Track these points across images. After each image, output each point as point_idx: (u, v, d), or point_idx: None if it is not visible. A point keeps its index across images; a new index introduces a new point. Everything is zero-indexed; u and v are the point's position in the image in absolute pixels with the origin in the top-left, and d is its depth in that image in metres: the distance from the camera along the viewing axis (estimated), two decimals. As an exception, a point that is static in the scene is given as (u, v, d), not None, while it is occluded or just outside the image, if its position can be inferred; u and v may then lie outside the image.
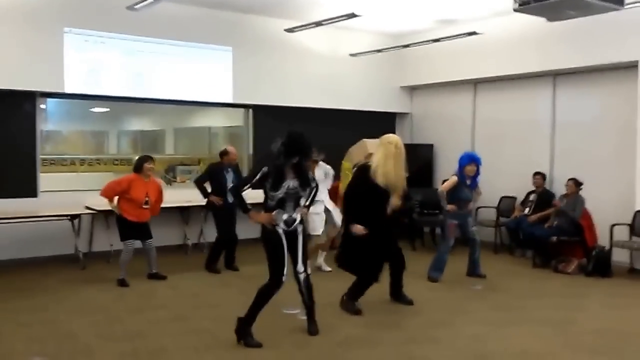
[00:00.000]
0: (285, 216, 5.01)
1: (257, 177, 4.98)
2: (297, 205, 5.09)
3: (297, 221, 5.10)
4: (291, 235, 5.08)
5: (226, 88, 9.52)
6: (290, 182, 4.98)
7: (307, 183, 5.13)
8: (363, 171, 5.96)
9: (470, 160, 7.45)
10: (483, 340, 5.24)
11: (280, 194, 4.95)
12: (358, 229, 5.78)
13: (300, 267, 5.15)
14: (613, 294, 7.01)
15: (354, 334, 5.33)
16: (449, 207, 7.37)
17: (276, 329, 5.35)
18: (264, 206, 5.08)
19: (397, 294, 6.36)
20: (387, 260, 6.13)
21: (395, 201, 5.92)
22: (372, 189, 5.79)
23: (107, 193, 7.07)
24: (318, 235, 7.63)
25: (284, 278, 4.93)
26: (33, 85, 8.05)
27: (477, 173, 7.50)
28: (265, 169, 4.96)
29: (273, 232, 5.00)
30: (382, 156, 5.81)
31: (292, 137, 4.96)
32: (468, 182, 7.46)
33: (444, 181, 7.74)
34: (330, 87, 10.41)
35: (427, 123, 11.25)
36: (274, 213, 4.99)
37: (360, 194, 5.89)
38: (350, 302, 5.98)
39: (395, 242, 6.23)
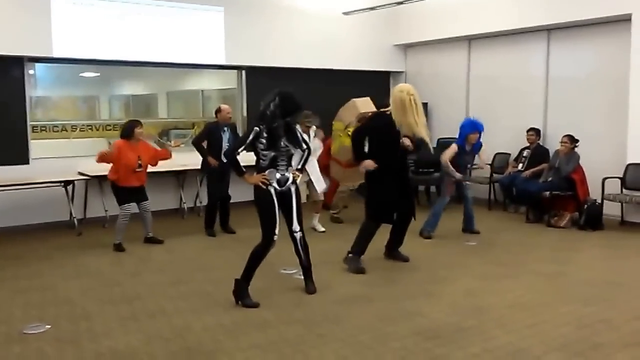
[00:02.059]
0: (277, 175, 5.03)
1: (250, 137, 4.96)
2: (289, 164, 5.11)
3: (290, 181, 5.11)
4: (284, 195, 5.10)
5: (218, 49, 9.42)
6: (283, 141, 4.99)
7: (299, 143, 5.14)
8: (380, 118, 6.00)
9: (473, 129, 7.48)
10: (478, 294, 5.31)
11: (273, 152, 4.96)
12: (368, 164, 5.88)
13: (295, 227, 5.18)
14: (604, 246, 7.11)
15: (351, 291, 5.39)
16: (458, 176, 7.41)
17: (274, 289, 5.40)
18: (256, 166, 5.09)
19: (393, 251, 6.42)
20: (399, 209, 6.16)
21: (406, 142, 5.95)
22: (387, 136, 5.87)
23: (100, 158, 6.97)
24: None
25: (275, 237, 4.95)
26: (20, 50, 7.94)
27: (479, 138, 7.55)
28: (257, 128, 4.95)
29: (264, 192, 5.00)
30: (401, 107, 5.81)
31: (284, 97, 4.96)
32: (468, 148, 7.49)
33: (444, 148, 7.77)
34: (324, 47, 10.31)
35: (422, 81, 11.14)
36: (266, 172, 5.00)
37: (371, 138, 5.99)
38: (355, 258, 6.02)
39: (411, 197, 6.30)
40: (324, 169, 8.10)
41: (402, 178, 6.08)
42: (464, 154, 7.50)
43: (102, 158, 6.94)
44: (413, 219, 6.34)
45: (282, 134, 4.98)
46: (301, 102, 5.06)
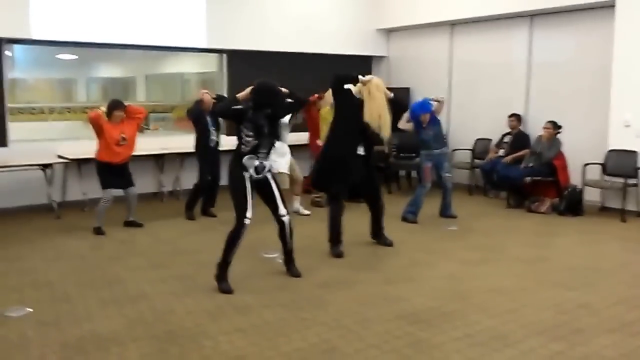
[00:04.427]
0: (256, 162, 4.98)
1: (237, 107, 4.97)
2: (269, 153, 5.09)
3: (267, 169, 5.08)
4: (261, 183, 5.09)
5: (200, 33, 9.31)
6: (266, 129, 4.99)
7: (276, 135, 5.15)
8: (347, 93, 6.06)
9: (421, 111, 7.52)
10: (458, 278, 5.35)
11: (257, 140, 4.95)
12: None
13: (282, 211, 5.17)
14: (584, 232, 7.17)
15: (333, 275, 5.39)
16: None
17: (256, 273, 5.40)
18: (237, 152, 5.04)
19: (377, 235, 6.45)
20: (362, 194, 6.34)
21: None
22: (348, 111, 6.00)
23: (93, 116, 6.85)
24: (281, 173, 7.46)
25: (246, 221, 4.90)
26: (-2, 31, 7.79)
27: (432, 115, 7.62)
28: (241, 107, 4.96)
29: (238, 176, 4.97)
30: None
31: (262, 89, 4.99)
32: (424, 125, 7.54)
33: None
34: (306, 31, 10.24)
35: (404, 66, 11.17)
36: (244, 159, 4.95)
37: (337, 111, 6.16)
38: (334, 247, 6.04)
39: (374, 181, 6.35)
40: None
41: (363, 160, 6.13)
42: (422, 130, 7.55)
43: (95, 115, 6.81)
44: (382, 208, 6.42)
45: (264, 123, 4.96)
46: (281, 95, 5.09)
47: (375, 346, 3.91)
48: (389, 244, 6.39)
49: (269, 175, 5.13)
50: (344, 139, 6.05)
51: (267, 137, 5.01)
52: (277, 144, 7.12)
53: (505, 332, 4.14)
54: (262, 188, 5.11)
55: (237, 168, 4.99)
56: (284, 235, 5.23)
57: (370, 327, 4.21)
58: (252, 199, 4.97)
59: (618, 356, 3.80)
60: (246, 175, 4.97)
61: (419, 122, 7.52)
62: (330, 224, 6.07)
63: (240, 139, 5.01)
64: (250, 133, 4.95)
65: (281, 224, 5.19)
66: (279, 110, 5.19)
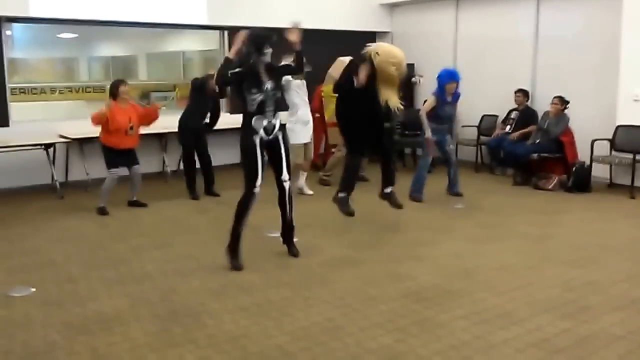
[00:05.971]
0: (265, 122, 4.90)
1: (233, 70, 4.84)
2: (277, 109, 4.98)
3: (277, 128, 4.99)
4: (272, 144, 5.00)
5: (200, 9, 9.20)
6: (268, 84, 4.89)
7: (284, 72, 5.07)
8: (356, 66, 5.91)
9: (450, 79, 7.35)
10: (465, 256, 5.31)
11: (260, 96, 4.84)
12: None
13: (285, 176, 5.09)
14: (592, 209, 7.11)
15: (337, 254, 5.36)
16: (427, 136, 7.28)
17: (260, 252, 5.36)
18: (243, 114, 4.95)
19: (385, 191, 6.26)
20: (376, 146, 6.14)
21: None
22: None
23: (95, 119, 6.80)
24: (300, 145, 7.46)
25: (255, 190, 4.86)
26: (-4, 9, 7.70)
27: (457, 88, 7.44)
28: (238, 69, 4.85)
29: (249, 141, 4.89)
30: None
31: (252, 34, 4.92)
32: (448, 99, 7.38)
33: (425, 102, 7.69)
34: (308, 6, 10.07)
35: (408, 42, 10.99)
36: (253, 120, 4.87)
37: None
38: (345, 198, 5.99)
39: (387, 138, 6.25)
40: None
41: (377, 124, 6.00)
42: (445, 105, 7.38)
43: (98, 119, 6.74)
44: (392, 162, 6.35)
45: (264, 76, 4.87)
46: (271, 33, 4.98)
47: (380, 325, 3.87)
48: (398, 205, 6.23)
49: (279, 136, 5.04)
50: (362, 111, 5.92)
51: (271, 92, 4.90)
52: (300, 111, 7.14)
53: (511, 310, 4.10)
54: (271, 149, 5.03)
55: (248, 133, 4.90)
56: (284, 202, 5.14)
57: (375, 306, 4.18)
58: (262, 167, 4.91)
59: (625, 333, 3.76)
60: (256, 139, 4.88)
61: (443, 92, 7.32)
62: (348, 172, 6.02)
63: (244, 101, 4.90)
64: (254, 89, 4.84)
65: (282, 189, 5.11)
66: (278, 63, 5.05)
